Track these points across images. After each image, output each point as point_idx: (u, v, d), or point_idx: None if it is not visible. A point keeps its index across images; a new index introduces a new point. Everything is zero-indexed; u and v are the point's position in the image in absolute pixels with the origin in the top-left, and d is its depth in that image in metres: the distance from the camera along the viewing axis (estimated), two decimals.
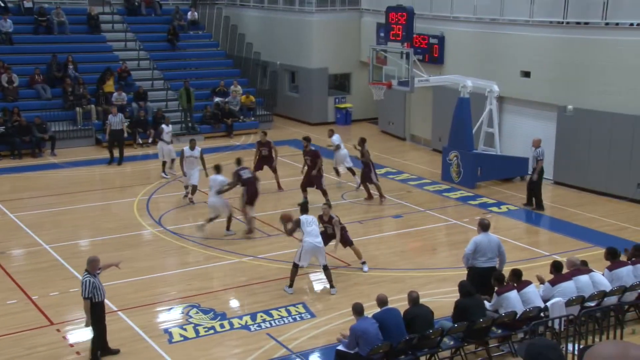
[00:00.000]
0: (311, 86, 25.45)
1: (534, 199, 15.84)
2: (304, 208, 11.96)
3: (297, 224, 11.49)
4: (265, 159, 16.84)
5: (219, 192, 13.71)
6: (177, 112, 23.38)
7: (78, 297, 10.97)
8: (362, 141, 16.20)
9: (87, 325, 9.17)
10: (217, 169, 14.09)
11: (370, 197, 16.27)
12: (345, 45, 25.23)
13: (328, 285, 11.50)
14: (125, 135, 19.89)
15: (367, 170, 16.07)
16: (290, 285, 11.37)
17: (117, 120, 19.58)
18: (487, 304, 9.56)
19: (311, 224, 11.39)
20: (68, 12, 25.32)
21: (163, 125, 18.55)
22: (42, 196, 16.82)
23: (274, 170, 16.84)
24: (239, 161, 14.47)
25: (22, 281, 11.80)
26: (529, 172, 18.25)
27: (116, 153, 19.46)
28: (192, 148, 15.84)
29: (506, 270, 10.44)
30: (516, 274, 9.74)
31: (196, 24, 27.55)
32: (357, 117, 25.75)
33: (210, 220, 13.90)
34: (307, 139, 16.10)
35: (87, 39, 25.03)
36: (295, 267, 11.34)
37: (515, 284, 9.60)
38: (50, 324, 10.28)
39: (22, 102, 21.75)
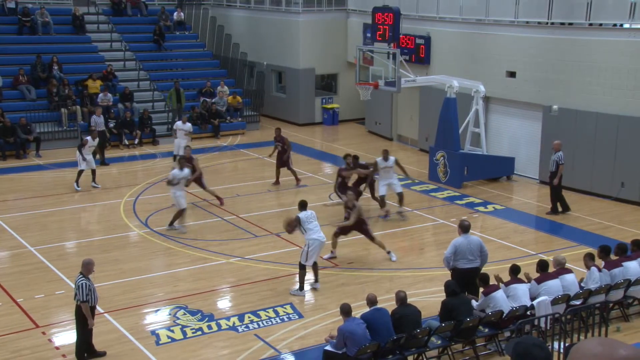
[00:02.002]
0: (298, 87, 25.45)
1: (558, 203, 15.49)
2: (302, 205, 11.61)
3: (297, 221, 11.28)
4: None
5: (173, 184, 14.02)
6: (164, 112, 23.28)
7: (64, 299, 10.93)
8: (278, 130, 17.94)
9: (91, 327, 9.10)
10: (181, 163, 14.43)
11: (277, 182, 17.48)
12: (332, 46, 25.26)
13: (313, 280, 11.53)
14: (108, 136, 19.83)
15: (286, 157, 17.33)
16: (301, 288, 11.27)
17: (102, 121, 19.61)
18: (474, 303, 9.61)
19: (311, 220, 11.28)
20: (52, 12, 25.10)
21: (88, 138, 17.28)
22: (27, 198, 16.66)
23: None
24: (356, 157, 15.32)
25: (7, 284, 11.69)
26: (516, 172, 18.44)
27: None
28: (386, 158, 14.88)
29: (499, 269, 10.51)
30: (514, 270, 9.83)
31: (182, 25, 27.43)
32: (344, 117, 25.79)
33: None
34: (355, 157, 15.31)
35: (72, 39, 24.85)
36: (303, 268, 11.26)
37: (509, 280, 9.75)
38: (35, 327, 10.19)
39: (6, 103, 21.55)
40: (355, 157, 15.45)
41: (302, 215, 11.33)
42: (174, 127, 19.30)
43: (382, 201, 15.09)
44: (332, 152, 21.49)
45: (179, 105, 22.80)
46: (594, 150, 16.68)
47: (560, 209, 15.56)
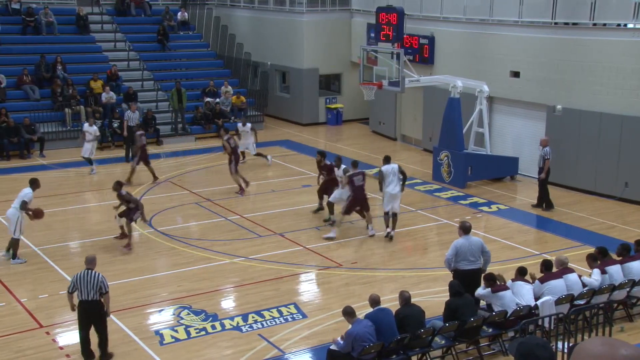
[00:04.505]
0: (302, 87, 25.46)
1: (543, 198, 15.74)
2: (386, 159, 13.69)
3: (382, 175, 13.58)
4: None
5: (22, 207, 12.46)
6: (168, 112, 23.32)
7: (67, 299, 10.94)
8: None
9: (108, 315, 9.31)
10: (32, 183, 12.92)
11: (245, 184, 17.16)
12: (336, 46, 25.26)
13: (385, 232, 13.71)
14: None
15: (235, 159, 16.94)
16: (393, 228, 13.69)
17: (135, 117, 20.29)
18: (480, 290, 9.61)
19: (389, 175, 13.39)
20: (56, 12, 25.16)
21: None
22: None
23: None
24: (355, 164, 14.07)
25: (11, 284, 11.72)
26: (520, 172, 18.41)
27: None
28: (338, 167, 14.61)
29: (502, 269, 10.50)
30: (521, 271, 9.85)
31: (186, 25, 27.47)
32: (348, 117, 25.79)
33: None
34: (321, 154, 15.30)
35: (76, 39, 24.90)
36: (386, 213, 13.60)
37: (515, 277, 9.81)
38: (39, 327, 10.22)
39: (9, 102, 21.61)
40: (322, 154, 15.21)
41: (384, 169, 13.51)
42: (83, 129, 18.63)
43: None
44: (335, 152, 21.44)
45: (180, 106, 22.82)
46: (598, 150, 16.65)
47: (543, 207, 15.75)
